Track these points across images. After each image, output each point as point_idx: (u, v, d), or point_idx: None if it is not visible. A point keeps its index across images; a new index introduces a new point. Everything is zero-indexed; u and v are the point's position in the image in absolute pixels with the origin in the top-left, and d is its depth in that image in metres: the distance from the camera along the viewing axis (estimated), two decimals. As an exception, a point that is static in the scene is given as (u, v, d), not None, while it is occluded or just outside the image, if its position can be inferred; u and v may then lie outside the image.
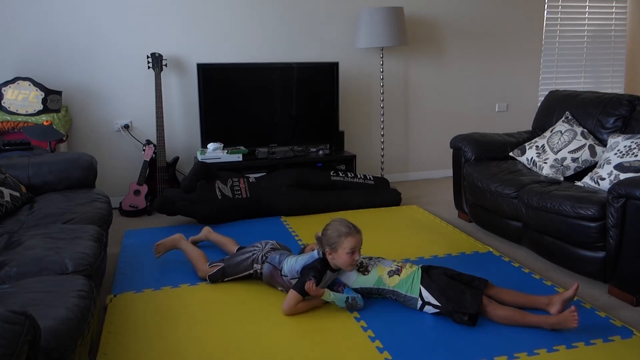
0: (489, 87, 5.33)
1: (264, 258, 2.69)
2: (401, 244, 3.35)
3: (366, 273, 2.51)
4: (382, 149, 4.87)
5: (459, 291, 2.33)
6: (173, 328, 2.36)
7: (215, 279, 2.75)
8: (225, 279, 2.76)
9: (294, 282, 2.52)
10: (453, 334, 2.25)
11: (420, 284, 2.41)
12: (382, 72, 4.71)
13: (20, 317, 1.31)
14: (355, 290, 2.51)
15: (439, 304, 2.36)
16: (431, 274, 2.45)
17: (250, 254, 2.74)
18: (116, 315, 2.48)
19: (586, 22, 5.57)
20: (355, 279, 2.51)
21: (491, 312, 2.30)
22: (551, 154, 3.39)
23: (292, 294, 2.44)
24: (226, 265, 2.76)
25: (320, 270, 2.45)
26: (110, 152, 4.38)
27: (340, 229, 2.43)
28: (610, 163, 2.95)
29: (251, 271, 2.71)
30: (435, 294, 2.37)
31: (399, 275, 2.47)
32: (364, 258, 2.59)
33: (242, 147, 4.32)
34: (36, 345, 1.37)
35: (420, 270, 2.46)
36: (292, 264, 2.57)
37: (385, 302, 2.53)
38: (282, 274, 2.60)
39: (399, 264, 2.53)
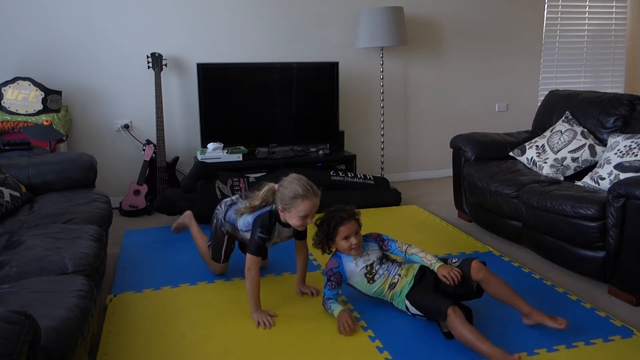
0: (489, 86, 5.33)
1: (225, 219, 2.73)
2: (401, 244, 3.34)
3: (371, 282, 2.41)
4: (382, 149, 4.87)
5: (432, 302, 2.24)
6: (173, 328, 2.36)
7: (217, 260, 2.82)
8: (224, 256, 2.80)
9: (248, 234, 2.51)
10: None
11: (406, 297, 2.34)
12: (382, 71, 4.71)
13: (20, 317, 1.31)
14: (357, 290, 2.48)
15: (423, 315, 2.33)
16: (424, 280, 2.36)
17: (215, 221, 2.79)
18: (116, 315, 2.48)
19: (586, 21, 5.57)
20: (358, 281, 2.43)
21: (451, 326, 2.13)
22: (551, 153, 3.39)
23: (249, 257, 2.39)
24: (211, 246, 2.83)
25: (268, 226, 2.41)
26: (110, 152, 4.37)
27: (296, 190, 2.29)
28: (610, 163, 2.95)
29: (227, 237, 2.76)
30: (415, 305, 2.31)
31: (394, 288, 2.40)
32: (376, 258, 2.42)
33: (242, 147, 4.32)
34: (36, 345, 1.37)
35: (413, 281, 2.35)
36: (245, 218, 2.56)
37: (386, 303, 2.52)
38: (239, 228, 2.63)
39: (401, 272, 2.40)
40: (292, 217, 2.35)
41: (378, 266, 2.42)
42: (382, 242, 2.48)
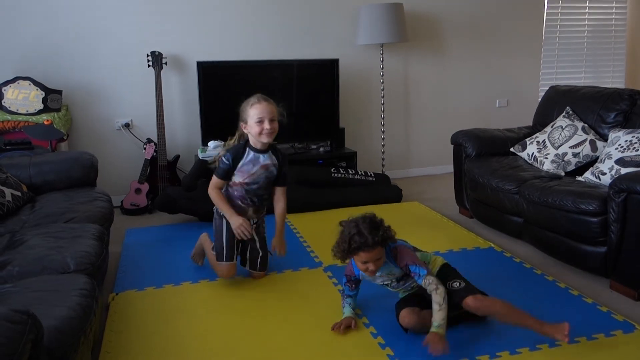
0: (490, 82, 5.32)
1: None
2: (402, 241, 3.34)
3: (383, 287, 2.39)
4: (383, 146, 4.87)
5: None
6: (175, 326, 2.37)
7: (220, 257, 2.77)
8: (226, 250, 2.75)
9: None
10: (455, 330, 2.24)
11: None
12: (383, 68, 4.70)
13: (22, 316, 1.32)
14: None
15: None
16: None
17: (214, 211, 2.85)
18: (118, 314, 2.48)
19: (586, 16, 5.55)
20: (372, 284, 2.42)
21: (406, 322, 2.21)
22: (552, 149, 3.38)
23: (212, 179, 2.71)
24: (214, 245, 2.81)
25: (235, 152, 2.65)
26: (111, 150, 4.38)
27: (248, 100, 2.60)
28: (611, 158, 2.95)
29: (225, 221, 2.77)
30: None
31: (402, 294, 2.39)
32: (395, 278, 2.29)
33: (242, 145, 4.32)
34: (39, 344, 1.37)
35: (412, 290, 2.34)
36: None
37: (388, 300, 2.51)
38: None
39: (414, 285, 2.31)
40: (253, 127, 2.58)
41: (395, 283, 2.32)
42: (409, 273, 2.20)
